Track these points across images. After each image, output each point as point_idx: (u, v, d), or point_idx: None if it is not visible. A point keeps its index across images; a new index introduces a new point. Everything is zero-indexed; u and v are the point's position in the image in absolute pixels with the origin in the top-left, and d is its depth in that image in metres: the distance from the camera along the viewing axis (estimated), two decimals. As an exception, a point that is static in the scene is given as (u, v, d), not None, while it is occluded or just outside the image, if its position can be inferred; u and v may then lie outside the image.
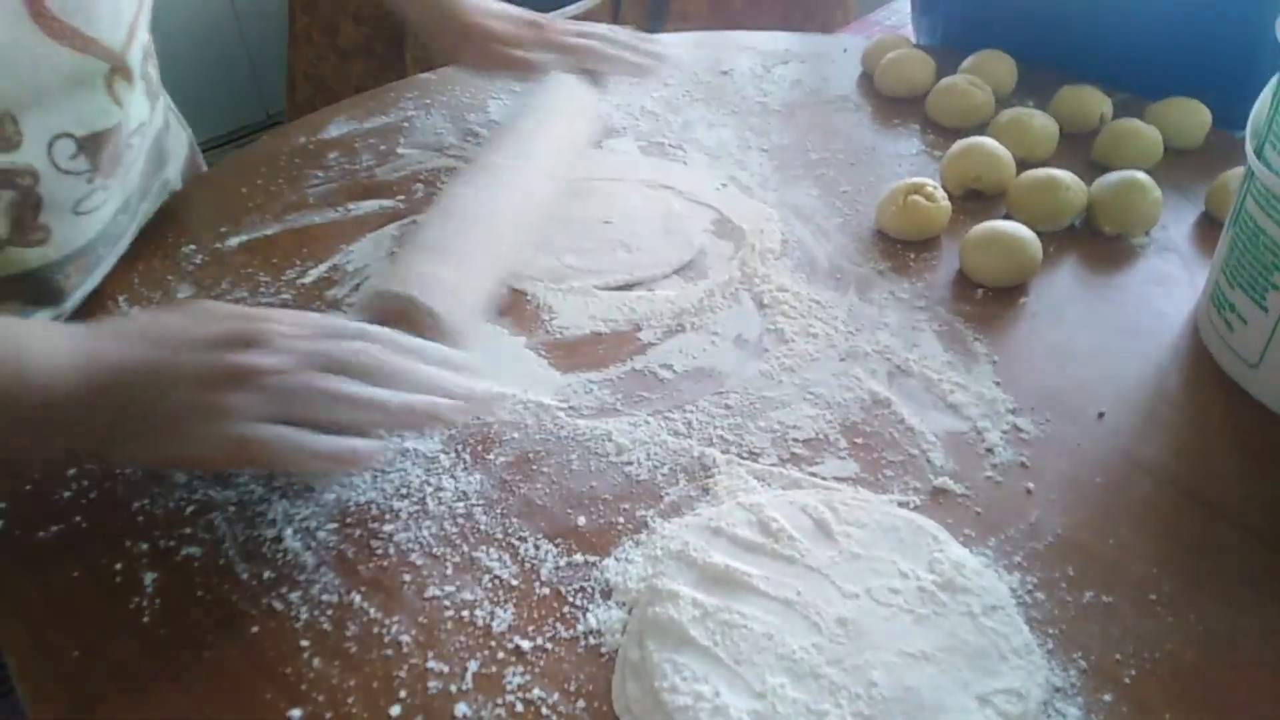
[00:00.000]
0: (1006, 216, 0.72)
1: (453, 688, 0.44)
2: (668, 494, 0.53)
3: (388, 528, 0.51)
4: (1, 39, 0.52)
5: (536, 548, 0.50)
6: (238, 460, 0.49)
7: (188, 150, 0.83)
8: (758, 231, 0.73)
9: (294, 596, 0.47)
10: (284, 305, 0.65)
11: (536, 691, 0.44)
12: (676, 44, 0.99)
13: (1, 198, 0.56)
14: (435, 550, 0.50)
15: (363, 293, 0.57)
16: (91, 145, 0.60)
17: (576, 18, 1.77)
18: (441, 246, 0.59)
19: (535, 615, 0.47)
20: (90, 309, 0.66)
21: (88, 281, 0.66)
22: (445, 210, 0.63)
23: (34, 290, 0.62)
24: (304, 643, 0.45)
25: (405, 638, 0.46)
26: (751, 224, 0.73)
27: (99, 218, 0.64)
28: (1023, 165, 0.76)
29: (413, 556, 0.49)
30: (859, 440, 0.56)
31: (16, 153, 0.56)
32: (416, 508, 0.52)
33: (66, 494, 0.52)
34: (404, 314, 0.53)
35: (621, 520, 0.51)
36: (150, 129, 0.71)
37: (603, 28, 0.84)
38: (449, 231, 0.61)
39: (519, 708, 0.43)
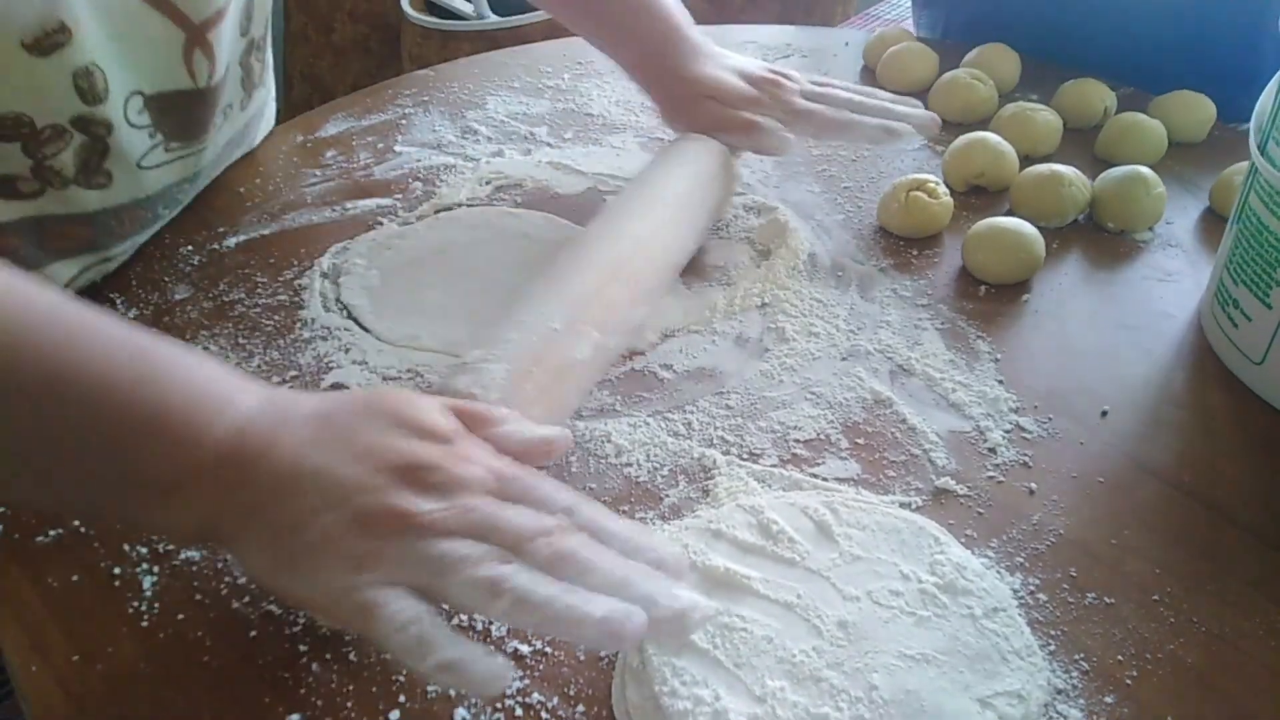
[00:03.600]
0: (1009, 212, 0.71)
1: (452, 692, 0.43)
2: (667, 496, 0.53)
3: (386, 530, 0.51)
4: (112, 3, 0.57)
5: (536, 550, 0.50)
6: (354, 627, 0.40)
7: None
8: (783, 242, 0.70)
9: (292, 600, 0.47)
10: (281, 305, 0.65)
11: (536, 696, 0.43)
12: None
13: (76, 140, 0.60)
14: (434, 553, 0.49)
15: (442, 375, 0.50)
16: (155, 104, 0.64)
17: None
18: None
19: (534, 618, 0.47)
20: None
21: (140, 235, 0.69)
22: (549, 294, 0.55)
23: (89, 232, 0.65)
24: (302, 647, 0.45)
25: (404, 642, 0.46)
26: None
27: (160, 176, 0.68)
28: (1026, 160, 0.76)
29: (412, 559, 0.49)
30: (860, 440, 0.56)
31: (101, 105, 0.60)
32: (415, 510, 0.52)
33: (65, 497, 0.52)
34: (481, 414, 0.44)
35: (621, 522, 0.51)
36: (238, 114, 0.75)
37: (847, 87, 0.73)
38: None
39: (518, 712, 0.43)
